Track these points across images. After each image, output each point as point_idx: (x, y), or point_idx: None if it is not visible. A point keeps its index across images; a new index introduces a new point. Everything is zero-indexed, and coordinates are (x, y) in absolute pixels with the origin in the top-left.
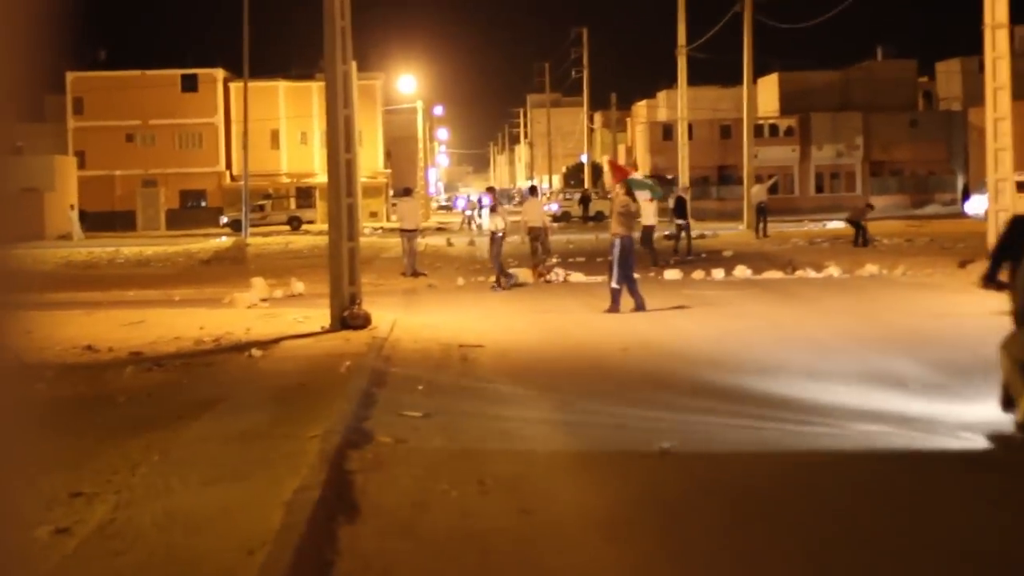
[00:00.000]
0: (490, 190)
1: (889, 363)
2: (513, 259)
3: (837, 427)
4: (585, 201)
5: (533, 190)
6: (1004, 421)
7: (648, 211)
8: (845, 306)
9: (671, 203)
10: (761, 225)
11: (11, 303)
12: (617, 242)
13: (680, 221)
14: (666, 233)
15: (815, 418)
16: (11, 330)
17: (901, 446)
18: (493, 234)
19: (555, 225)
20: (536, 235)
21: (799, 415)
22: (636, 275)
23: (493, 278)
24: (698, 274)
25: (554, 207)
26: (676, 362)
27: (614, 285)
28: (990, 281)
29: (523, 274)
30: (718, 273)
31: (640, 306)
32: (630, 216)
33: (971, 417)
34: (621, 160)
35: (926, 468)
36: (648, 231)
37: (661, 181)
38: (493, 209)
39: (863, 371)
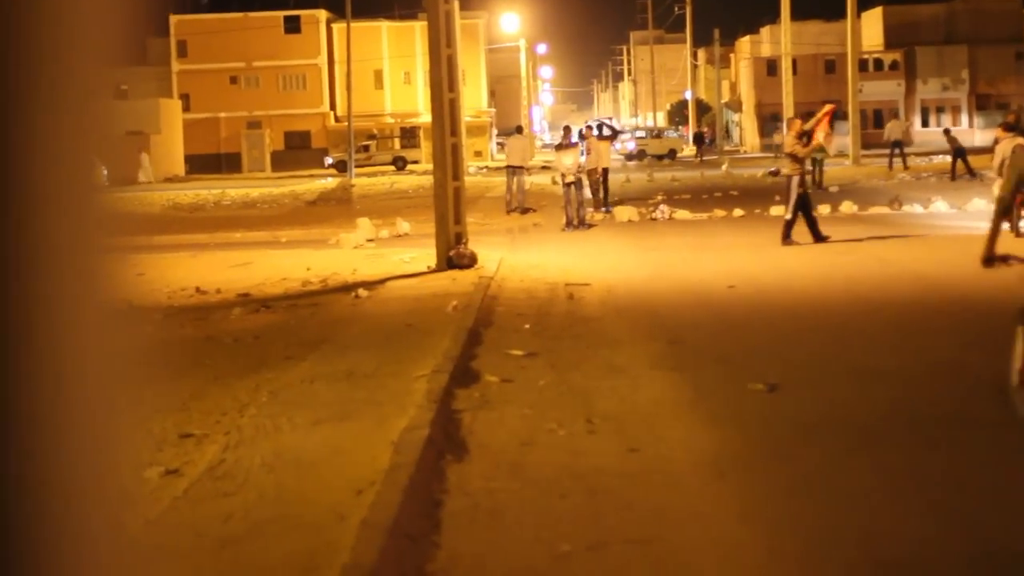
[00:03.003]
0: (567, 129)
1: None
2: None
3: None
4: (699, 140)
5: (567, 131)
6: None
7: (604, 153)
8: (947, 243)
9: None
10: (897, 159)
11: (119, 246)
12: (791, 180)
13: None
14: (771, 170)
15: (918, 350)
16: (120, 273)
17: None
18: (564, 176)
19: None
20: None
21: (899, 353)
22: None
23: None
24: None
25: (630, 145)
26: (783, 299)
27: (787, 217)
28: None
29: (624, 212)
30: (824, 209)
31: (819, 238)
32: (795, 159)
33: None
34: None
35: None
36: (604, 172)
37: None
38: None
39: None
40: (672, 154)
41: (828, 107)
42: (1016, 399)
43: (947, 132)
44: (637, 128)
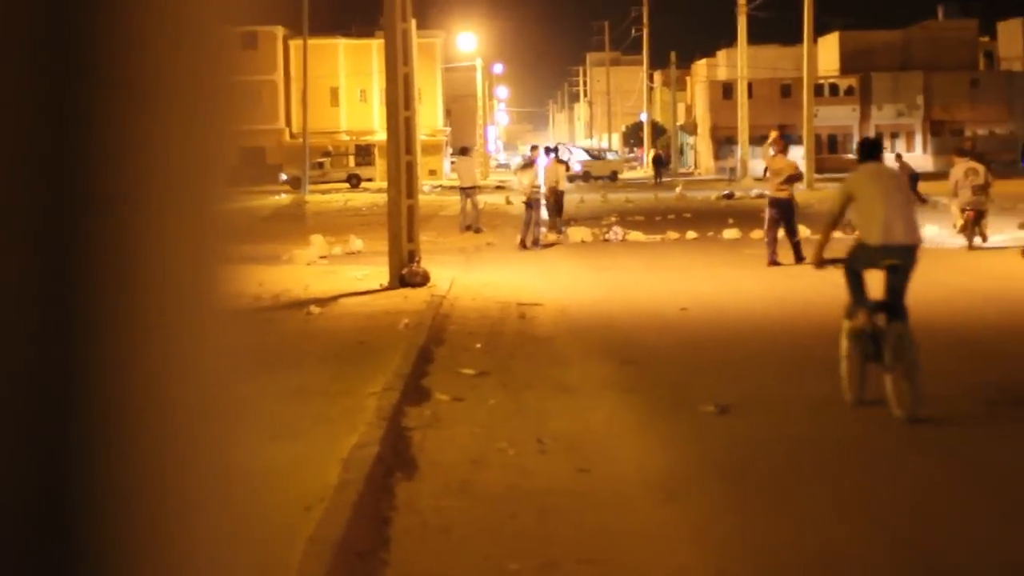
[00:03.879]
0: (535, 148)
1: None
2: (573, 220)
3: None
4: (658, 162)
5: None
6: None
7: (560, 176)
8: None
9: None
10: None
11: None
12: (792, 202)
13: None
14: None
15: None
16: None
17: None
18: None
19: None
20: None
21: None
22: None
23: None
24: (757, 233)
25: (576, 167)
26: (735, 321)
27: (766, 240)
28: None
29: (578, 233)
30: (779, 233)
31: (774, 261)
32: (792, 180)
33: None
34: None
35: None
36: (559, 195)
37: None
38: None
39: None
40: (614, 175)
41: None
42: (843, 385)
43: (899, 158)
44: (577, 149)
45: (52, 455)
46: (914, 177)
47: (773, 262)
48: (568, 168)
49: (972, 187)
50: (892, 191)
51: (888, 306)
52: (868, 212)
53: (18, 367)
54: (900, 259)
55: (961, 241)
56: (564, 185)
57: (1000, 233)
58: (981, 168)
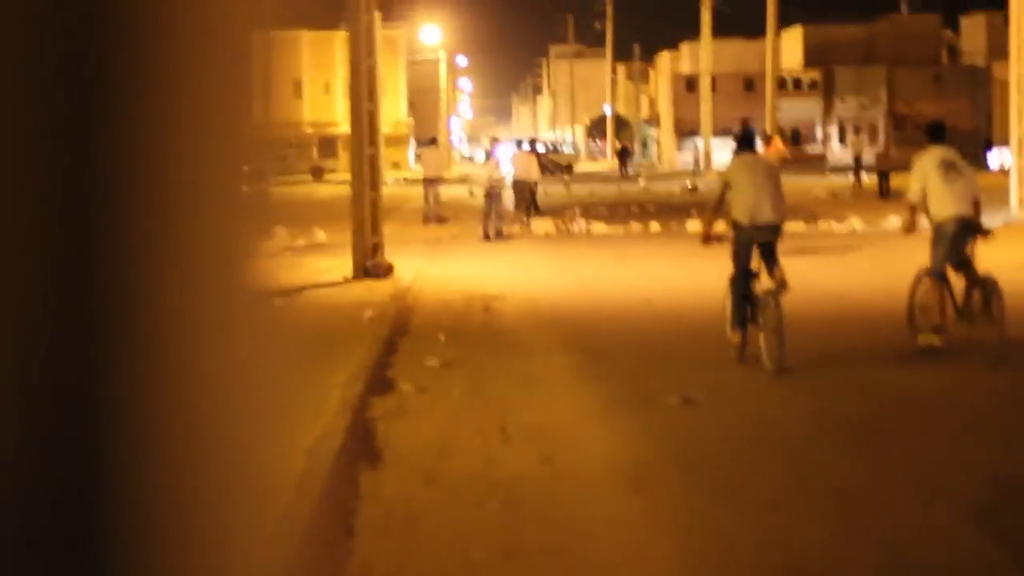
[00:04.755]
0: (495, 140)
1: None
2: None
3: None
4: (623, 155)
5: (494, 143)
6: None
7: (532, 167)
8: (865, 258)
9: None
10: (860, 175)
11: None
12: None
13: None
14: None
15: (829, 369)
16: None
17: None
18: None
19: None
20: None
21: (818, 366)
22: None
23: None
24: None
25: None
26: (698, 313)
27: None
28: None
29: (542, 225)
30: None
31: None
32: None
33: None
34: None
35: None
36: (532, 186)
37: None
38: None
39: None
40: (569, 168)
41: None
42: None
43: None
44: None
45: (77, 446)
46: (856, 165)
47: None
48: (539, 159)
49: None
50: (761, 178)
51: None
52: (741, 197)
53: (56, 357)
54: (767, 236)
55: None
56: (535, 176)
57: None
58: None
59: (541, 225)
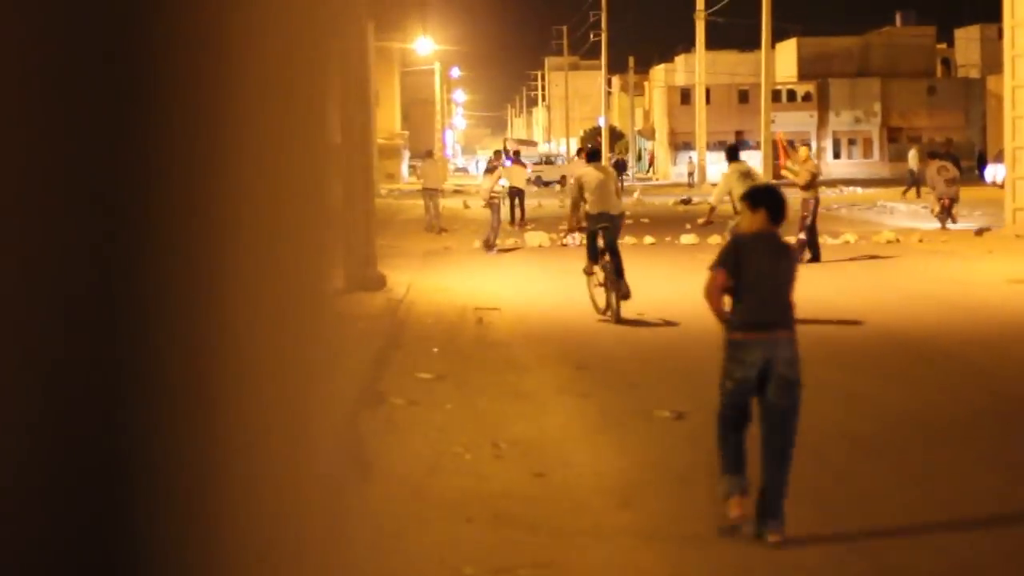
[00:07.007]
0: (498, 154)
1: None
2: (531, 223)
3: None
4: (620, 167)
5: (497, 155)
6: None
7: (520, 177)
8: (862, 272)
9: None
10: (915, 188)
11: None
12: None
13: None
14: (682, 198)
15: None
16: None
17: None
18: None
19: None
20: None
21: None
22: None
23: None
24: (715, 239)
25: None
26: (692, 325)
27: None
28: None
29: (535, 237)
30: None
31: (816, 257)
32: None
33: None
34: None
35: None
36: (520, 194)
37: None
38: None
39: (884, 336)
40: (563, 180)
41: (777, 135)
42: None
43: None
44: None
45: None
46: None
47: None
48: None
49: (945, 180)
50: (605, 181)
51: (605, 251)
52: (591, 195)
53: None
54: (608, 223)
55: (938, 224)
56: (523, 185)
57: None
58: (951, 164)
59: (535, 237)
